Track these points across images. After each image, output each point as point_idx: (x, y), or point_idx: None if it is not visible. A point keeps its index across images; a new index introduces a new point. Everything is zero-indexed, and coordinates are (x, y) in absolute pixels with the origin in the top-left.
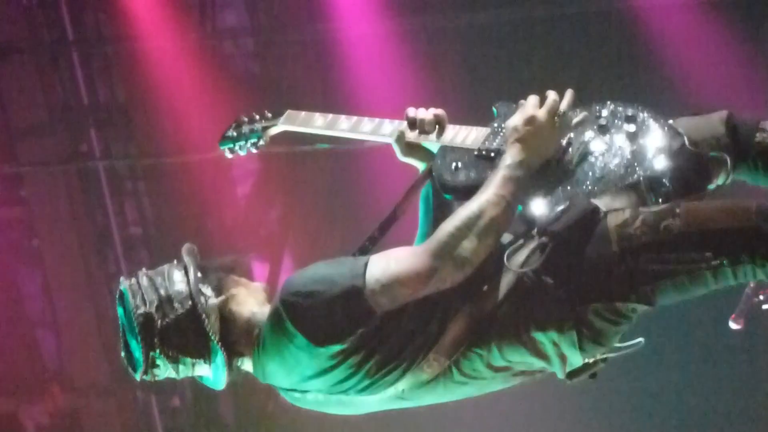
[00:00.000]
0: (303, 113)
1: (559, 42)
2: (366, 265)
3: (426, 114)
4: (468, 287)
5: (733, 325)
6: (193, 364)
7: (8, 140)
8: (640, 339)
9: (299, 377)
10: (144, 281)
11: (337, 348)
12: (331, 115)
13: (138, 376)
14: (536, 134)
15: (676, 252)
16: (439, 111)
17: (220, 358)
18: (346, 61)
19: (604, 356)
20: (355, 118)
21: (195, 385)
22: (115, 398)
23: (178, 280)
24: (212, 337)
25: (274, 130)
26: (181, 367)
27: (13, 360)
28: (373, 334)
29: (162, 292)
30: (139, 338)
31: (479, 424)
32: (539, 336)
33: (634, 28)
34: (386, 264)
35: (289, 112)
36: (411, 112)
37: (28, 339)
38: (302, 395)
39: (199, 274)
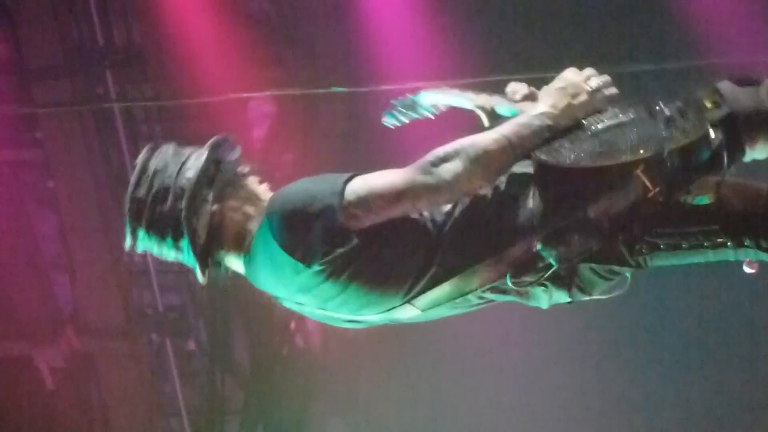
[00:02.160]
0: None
1: None
2: (347, 180)
3: (524, 90)
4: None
5: (748, 269)
6: (176, 256)
7: (24, 82)
8: (627, 279)
9: (287, 291)
10: (162, 161)
11: (317, 267)
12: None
13: (126, 246)
14: (570, 96)
15: (683, 227)
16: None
17: (191, 259)
18: (363, 2)
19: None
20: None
21: (210, 328)
22: (129, 341)
23: (189, 169)
24: (186, 239)
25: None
26: (164, 251)
27: (28, 303)
28: (356, 255)
29: (167, 181)
30: (126, 216)
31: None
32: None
33: None
34: (368, 177)
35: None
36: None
37: (42, 281)
38: (300, 306)
39: (217, 168)
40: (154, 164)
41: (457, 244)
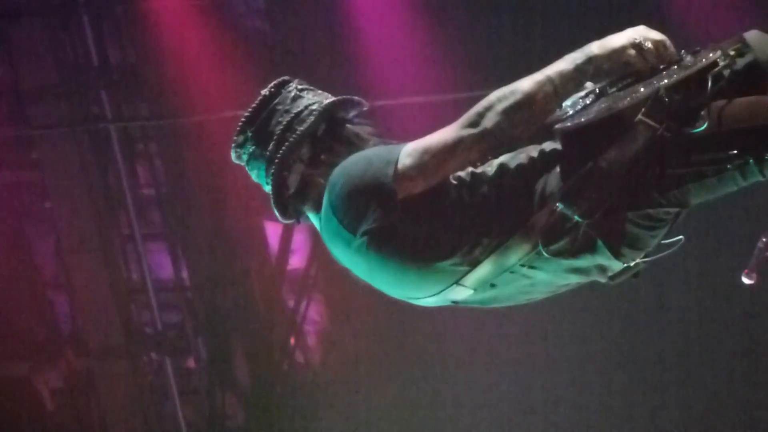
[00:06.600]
0: None
1: None
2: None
3: None
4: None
5: (746, 280)
6: (266, 182)
7: (19, 103)
8: (681, 237)
9: (345, 260)
10: (310, 96)
11: (362, 237)
12: None
13: (233, 155)
14: (624, 44)
15: (702, 153)
16: None
17: (273, 202)
18: (357, 18)
19: (644, 259)
20: None
21: (209, 346)
22: (129, 360)
23: (301, 122)
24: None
25: None
26: (253, 171)
27: (27, 323)
28: (399, 229)
29: (281, 123)
30: (245, 116)
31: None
32: None
33: None
34: (419, 140)
35: None
36: None
37: (41, 302)
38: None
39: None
40: (303, 90)
41: (490, 217)
